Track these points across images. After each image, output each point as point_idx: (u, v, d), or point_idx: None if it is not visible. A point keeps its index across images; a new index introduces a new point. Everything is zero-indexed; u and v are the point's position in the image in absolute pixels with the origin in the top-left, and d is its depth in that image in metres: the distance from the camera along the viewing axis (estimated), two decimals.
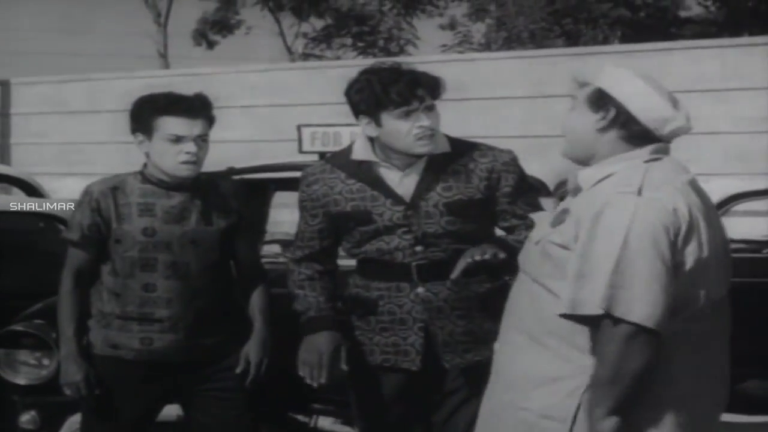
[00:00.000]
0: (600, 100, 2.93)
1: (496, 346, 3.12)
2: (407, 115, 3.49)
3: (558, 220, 2.95)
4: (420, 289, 3.58)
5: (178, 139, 3.74)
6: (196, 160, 3.78)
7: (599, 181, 2.91)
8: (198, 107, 3.79)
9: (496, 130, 9.78)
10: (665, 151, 2.96)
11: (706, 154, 11.56)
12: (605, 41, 19.28)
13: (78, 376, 3.81)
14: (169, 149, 3.75)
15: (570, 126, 3.01)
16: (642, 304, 2.72)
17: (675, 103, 2.94)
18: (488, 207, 3.64)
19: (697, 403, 2.90)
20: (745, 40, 13.94)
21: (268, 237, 5.68)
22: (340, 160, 3.71)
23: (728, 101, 12.00)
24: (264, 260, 4.77)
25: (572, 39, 19.42)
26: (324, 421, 4.11)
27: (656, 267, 2.74)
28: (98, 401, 3.84)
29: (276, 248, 5.57)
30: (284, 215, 6.06)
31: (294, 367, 3.62)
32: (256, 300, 3.94)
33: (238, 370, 3.83)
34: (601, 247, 2.77)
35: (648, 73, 2.99)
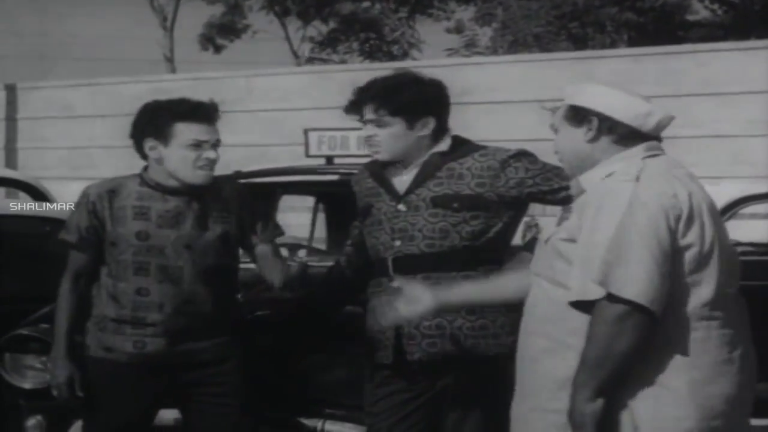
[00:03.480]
0: (577, 114, 3.04)
1: (518, 353, 3.12)
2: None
3: (563, 218, 3.04)
4: (395, 283, 3.57)
5: (198, 145, 3.75)
6: (212, 167, 3.79)
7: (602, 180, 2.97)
8: (213, 114, 3.81)
9: (502, 134, 9.74)
10: (660, 149, 3.03)
11: (714, 158, 11.54)
12: (612, 45, 19.27)
13: (61, 378, 3.80)
14: (189, 155, 3.75)
15: (562, 148, 3.12)
16: (636, 281, 2.73)
17: (644, 99, 3.04)
18: (482, 205, 3.61)
19: (717, 403, 2.88)
20: (752, 43, 13.88)
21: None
22: (372, 162, 3.80)
23: (735, 104, 11.97)
24: None
25: (579, 43, 19.39)
26: (332, 426, 4.09)
27: (652, 247, 2.76)
28: (94, 405, 3.84)
29: (283, 252, 5.55)
30: (291, 219, 6.04)
31: (301, 371, 3.59)
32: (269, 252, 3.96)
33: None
34: (601, 231, 2.82)
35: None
